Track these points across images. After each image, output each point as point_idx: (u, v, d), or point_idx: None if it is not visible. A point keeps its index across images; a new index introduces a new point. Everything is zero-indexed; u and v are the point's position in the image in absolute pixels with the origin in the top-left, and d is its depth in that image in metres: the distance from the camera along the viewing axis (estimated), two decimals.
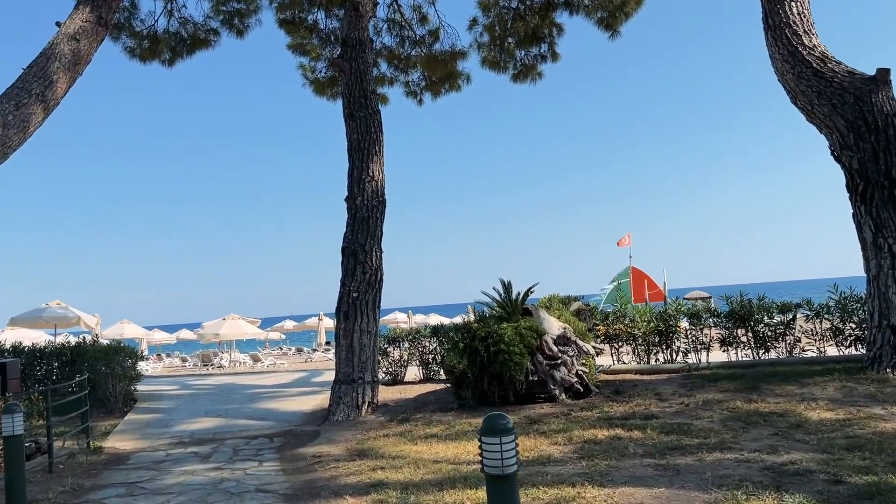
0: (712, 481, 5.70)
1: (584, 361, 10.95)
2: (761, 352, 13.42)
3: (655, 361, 13.86)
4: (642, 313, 13.81)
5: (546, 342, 10.45)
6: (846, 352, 12.96)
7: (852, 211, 10.90)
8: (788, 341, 13.35)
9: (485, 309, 11.41)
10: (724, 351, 13.78)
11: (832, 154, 11.20)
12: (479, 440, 4.05)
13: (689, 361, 13.72)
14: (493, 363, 10.24)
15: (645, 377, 12.51)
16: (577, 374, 10.63)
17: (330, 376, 18.34)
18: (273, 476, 7.63)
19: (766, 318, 13.31)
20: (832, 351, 13.23)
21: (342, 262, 11.97)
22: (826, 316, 13.22)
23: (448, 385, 12.91)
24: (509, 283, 11.10)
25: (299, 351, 41.91)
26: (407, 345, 15.29)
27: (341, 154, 13.04)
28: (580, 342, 10.85)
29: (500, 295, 11.11)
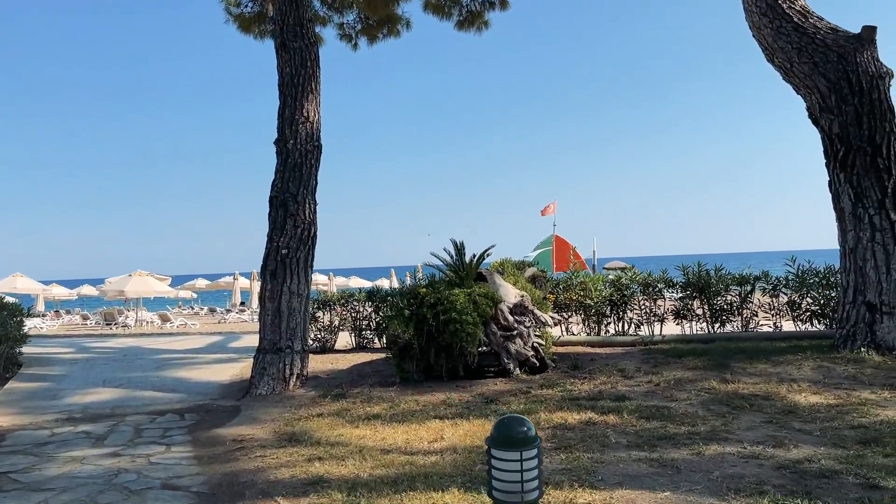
0: (724, 483, 4.85)
1: (540, 333, 10.05)
2: (716, 325, 12.93)
3: (606, 333, 13.18)
4: (595, 281, 13.03)
5: (501, 311, 9.46)
6: (803, 327, 12.63)
7: (829, 178, 10.33)
8: (745, 315, 12.91)
9: (435, 273, 10.31)
10: (678, 324, 13.23)
11: (810, 117, 10.57)
12: (489, 454, 2.96)
13: (642, 334, 13.11)
14: (443, 333, 9.20)
15: (599, 350, 11.78)
16: (532, 347, 9.73)
17: (249, 341, 16.92)
18: (184, 466, 6.35)
19: (724, 290, 12.79)
20: (788, 326, 12.88)
21: (270, 215, 10.57)
22: (784, 290, 12.82)
23: (387, 356, 11.82)
24: (461, 245, 10.02)
25: (212, 311, 39.83)
26: (339, 309, 14.04)
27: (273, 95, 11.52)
28: (537, 311, 9.92)
29: (451, 257, 10.03)
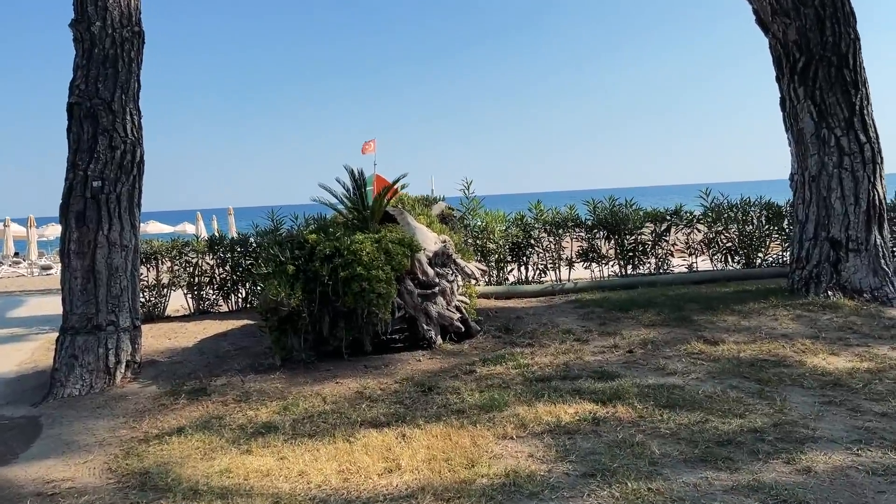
0: None
1: (464, 288, 7.97)
2: (629, 268, 11.65)
3: (506, 281, 11.41)
4: (496, 220, 11.11)
5: (420, 262, 7.21)
6: (719, 266, 11.70)
7: (781, 96, 9.10)
8: (659, 255, 11.73)
9: (325, 214, 7.75)
10: (586, 268, 11.78)
11: (758, 22, 9.22)
12: None
13: (547, 280, 11.51)
14: (345, 295, 6.80)
15: (510, 303, 9.97)
16: (457, 308, 7.63)
17: (37, 308, 13.17)
18: None
19: (637, 228, 11.47)
20: (704, 265, 11.92)
21: (70, 130, 7.34)
22: (698, 226, 11.78)
23: (248, 323, 9.15)
24: (361, 174, 7.53)
25: None
26: (168, 263, 10.92)
27: None
28: (461, 261, 7.80)
29: (348, 191, 7.52)
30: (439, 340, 7.42)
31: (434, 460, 4.36)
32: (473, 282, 8.03)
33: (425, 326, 7.30)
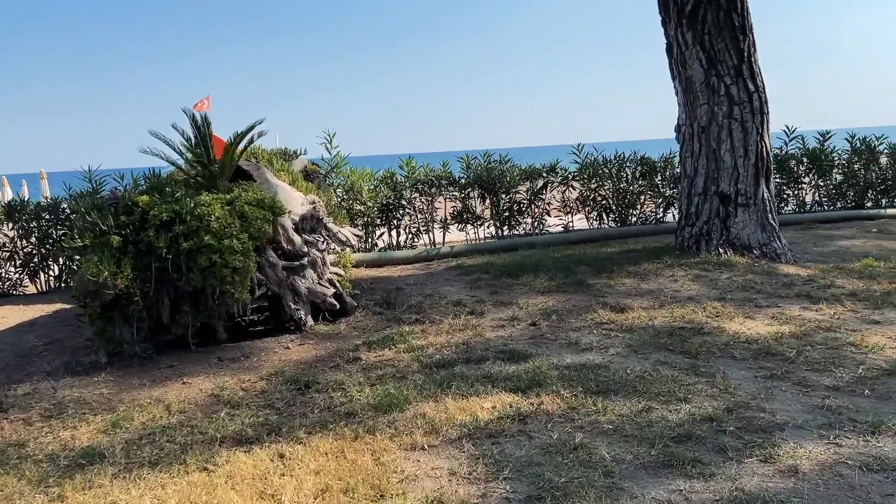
0: None
1: (338, 258, 6.82)
2: (505, 229, 10.98)
3: (375, 247, 10.35)
4: (363, 178, 9.94)
5: (284, 228, 5.97)
6: (594, 224, 11.32)
7: (667, 42, 8.62)
8: (535, 215, 11.14)
9: (161, 171, 6.23)
10: (461, 230, 10.96)
11: None
12: None
13: (421, 245, 10.59)
14: (189, 270, 5.46)
15: (385, 272, 8.96)
16: (330, 282, 6.49)
17: None
18: None
19: (513, 187, 10.78)
20: (580, 224, 11.49)
21: None
22: (573, 184, 11.29)
23: (64, 308, 7.48)
24: (205, 120, 6.07)
25: None
26: None
27: None
28: (333, 226, 6.64)
29: (189, 142, 6.05)
30: (310, 321, 6.26)
31: (328, 493, 3.29)
32: (348, 250, 6.87)
33: (293, 305, 6.10)
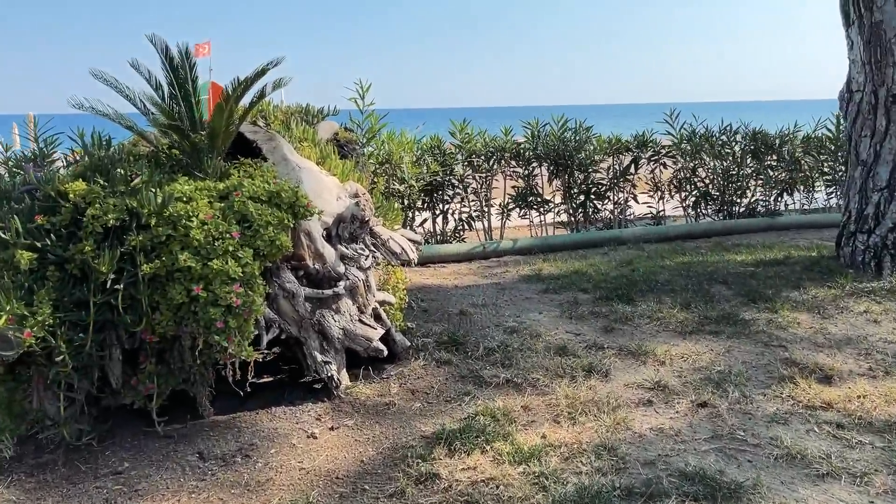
0: None
1: (385, 274, 4.63)
2: (579, 215, 8.76)
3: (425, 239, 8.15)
4: (400, 146, 7.65)
5: (310, 238, 3.78)
6: (689, 213, 9.10)
7: None
8: (618, 200, 8.91)
9: (114, 139, 3.96)
10: (523, 215, 8.75)
11: None
12: None
13: (472, 236, 8.41)
14: (155, 310, 3.32)
15: (432, 276, 6.82)
16: (374, 313, 4.32)
17: None
18: None
19: (594, 162, 8.54)
20: (672, 212, 9.29)
21: None
22: (670, 161, 9.03)
23: None
24: (186, 54, 3.81)
25: None
26: None
27: None
28: (382, 229, 4.45)
29: (159, 91, 3.82)
30: (345, 379, 4.10)
31: None
32: (401, 262, 4.66)
33: (319, 357, 3.93)
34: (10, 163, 4.36)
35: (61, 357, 3.26)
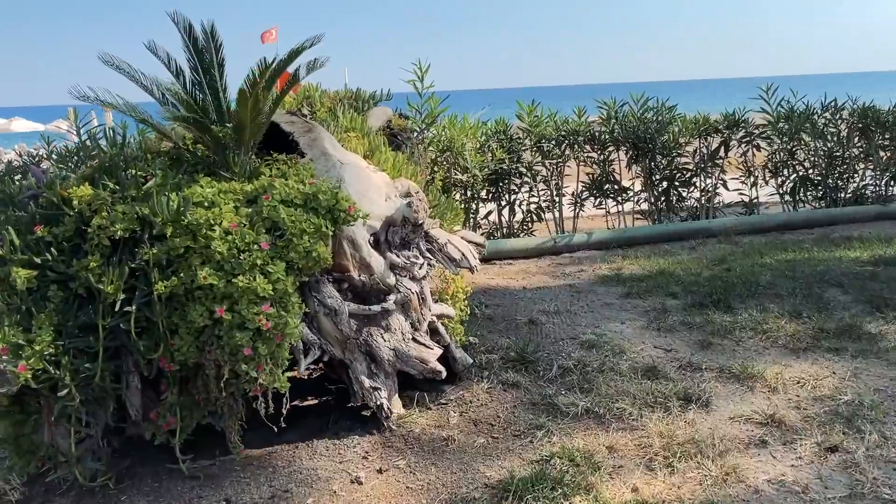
0: None
1: (443, 283, 4.06)
2: (660, 204, 8.00)
3: (478, 229, 7.57)
4: (466, 132, 7.04)
5: (355, 247, 3.25)
6: (787, 200, 8.21)
7: None
8: (705, 188, 8.10)
9: (114, 131, 3.51)
10: (598, 205, 8.05)
11: None
12: None
13: (541, 228, 7.77)
14: (173, 334, 2.85)
15: (499, 275, 6.22)
16: (432, 329, 3.76)
17: None
18: None
19: (679, 146, 7.77)
20: (769, 198, 8.42)
21: None
22: (764, 142, 8.15)
23: None
24: (210, 33, 3.33)
25: None
26: None
27: None
28: (438, 232, 3.88)
29: (181, 77, 3.34)
30: (397, 408, 3.57)
31: None
32: (461, 269, 4.07)
33: (367, 382, 3.40)
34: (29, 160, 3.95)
35: (66, 390, 2.82)
